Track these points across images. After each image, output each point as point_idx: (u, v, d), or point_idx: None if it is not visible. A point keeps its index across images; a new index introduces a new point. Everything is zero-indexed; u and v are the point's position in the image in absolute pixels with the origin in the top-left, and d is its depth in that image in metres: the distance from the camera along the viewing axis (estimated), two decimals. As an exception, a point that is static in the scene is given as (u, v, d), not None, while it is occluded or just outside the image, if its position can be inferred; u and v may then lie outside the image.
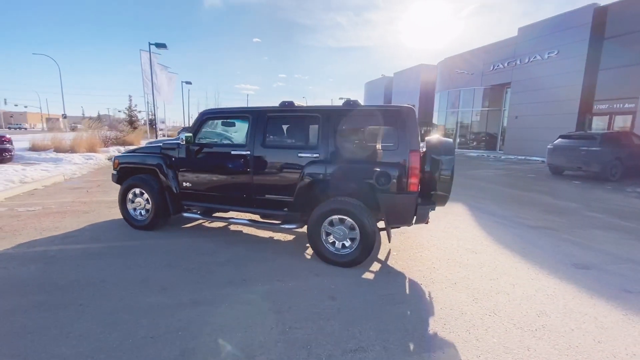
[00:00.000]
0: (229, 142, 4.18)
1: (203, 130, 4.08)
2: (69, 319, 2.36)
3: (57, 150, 12.30)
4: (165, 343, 2.13)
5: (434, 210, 3.95)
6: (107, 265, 3.29)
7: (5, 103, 63.06)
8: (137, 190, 4.28)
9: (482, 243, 4.32)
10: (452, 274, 3.35)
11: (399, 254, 3.88)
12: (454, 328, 2.42)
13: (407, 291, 2.98)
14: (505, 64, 21.11)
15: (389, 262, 3.62)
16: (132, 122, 26.21)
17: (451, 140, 3.75)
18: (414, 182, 3.19)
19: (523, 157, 18.10)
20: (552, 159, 11.30)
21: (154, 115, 33.64)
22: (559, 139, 11.24)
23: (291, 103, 3.71)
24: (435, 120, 29.37)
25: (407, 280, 3.21)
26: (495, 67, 22.02)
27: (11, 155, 9.67)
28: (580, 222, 5.52)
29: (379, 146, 3.36)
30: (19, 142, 12.98)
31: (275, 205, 3.74)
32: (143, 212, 4.33)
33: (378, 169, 3.22)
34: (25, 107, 78.75)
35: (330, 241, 3.44)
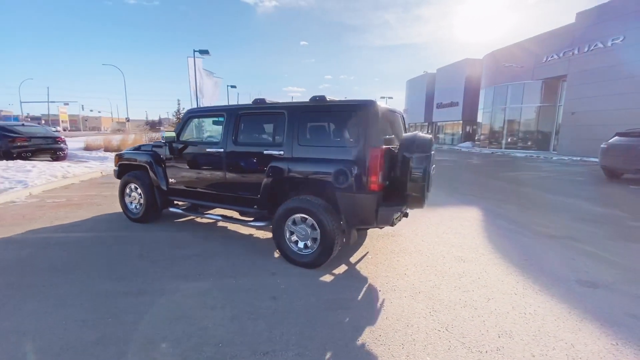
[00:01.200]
0: (208, 140, 4.28)
1: (189, 128, 4.24)
2: (25, 299, 2.59)
3: (107, 149, 13.74)
4: (91, 327, 2.23)
5: (405, 212, 3.66)
6: (88, 253, 3.56)
7: (82, 109, 72.21)
8: (133, 185, 4.59)
9: (477, 251, 3.89)
10: (421, 283, 3.06)
11: (375, 257, 3.65)
12: (388, 341, 2.19)
13: (359, 297, 2.78)
14: (561, 55, 18.92)
15: (358, 266, 3.42)
16: (180, 124, 28.32)
17: (429, 136, 3.42)
18: (373, 181, 2.96)
19: (578, 158, 16.06)
20: (606, 160, 9.84)
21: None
22: (616, 137, 9.75)
23: (262, 100, 3.69)
24: (479, 119, 27.37)
25: (366, 285, 2.99)
26: (549, 59, 19.85)
27: (64, 153, 11.01)
28: (616, 233, 4.72)
29: (340, 143, 3.19)
30: (78, 142, 14.75)
31: (246, 202, 3.74)
32: (137, 205, 4.63)
33: (336, 167, 3.05)
34: (99, 112, 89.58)
35: (294, 240, 3.35)
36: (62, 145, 10.82)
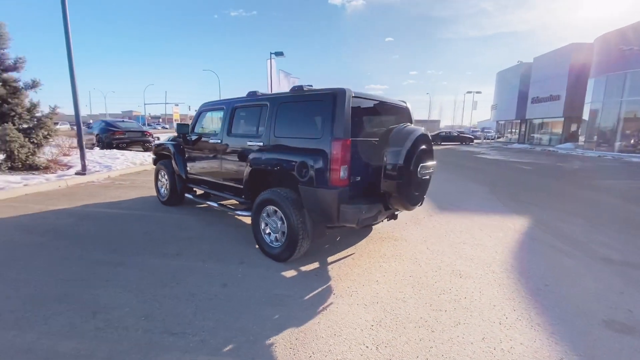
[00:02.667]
0: (212, 132, 4.54)
1: (202, 121, 4.59)
2: (36, 256, 3.18)
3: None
4: (62, 285, 2.63)
5: (393, 213, 3.28)
6: (109, 227, 4.17)
7: (189, 109, 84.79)
8: (162, 172, 5.19)
9: (487, 268, 3.27)
10: (388, 293, 2.72)
11: (358, 259, 3.38)
12: (300, 347, 2.02)
13: (306, 297, 2.62)
14: None
15: (332, 265, 3.22)
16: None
17: (418, 130, 2.96)
18: (335, 176, 2.73)
19: None
20: None
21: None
22: None
23: (254, 93, 3.75)
24: (585, 116, 22.65)
25: (324, 287, 2.80)
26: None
27: (151, 145, 13.10)
28: None
29: (307, 134, 3.02)
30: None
31: (237, 192, 3.87)
32: (165, 190, 5.22)
33: (300, 159, 2.91)
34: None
35: (267, 232, 3.33)
36: (149, 138, 12.91)
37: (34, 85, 7.83)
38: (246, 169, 3.48)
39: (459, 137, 31.81)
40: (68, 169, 8.22)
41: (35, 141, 7.76)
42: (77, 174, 7.61)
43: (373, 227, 4.43)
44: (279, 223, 3.18)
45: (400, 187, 2.83)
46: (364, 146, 2.97)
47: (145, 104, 69.89)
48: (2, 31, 7.15)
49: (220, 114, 4.17)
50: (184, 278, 2.84)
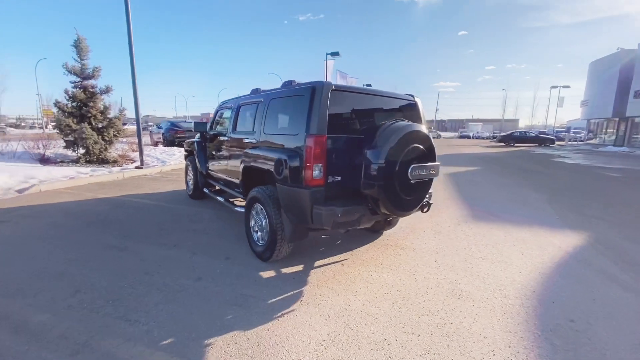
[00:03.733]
0: (224, 130, 4.65)
1: (219, 119, 4.77)
2: (67, 236, 3.63)
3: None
4: (65, 264, 2.95)
5: (385, 219, 2.95)
6: (134, 215, 4.59)
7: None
8: (190, 167, 5.55)
9: (498, 290, 2.75)
10: (361, 307, 2.45)
11: (348, 266, 3.14)
12: (233, 353, 1.92)
13: (270, 301, 2.49)
14: None
15: (316, 270, 3.04)
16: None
17: (410, 125, 2.58)
18: (308, 175, 2.54)
19: None
20: None
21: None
22: None
23: (257, 90, 3.74)
24: None
25: (295, 292, 2.64)
26: None
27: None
28: None
29: (288, 130, 2.88)
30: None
31: (237, 187, 3.92)
32: (191, 184, 5.58)
33: (277, 156, 2.79)
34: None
35: (255, 229, 3.29)
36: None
37: (107, 90, 9.11)
38: (240, 166, 3.50)
39: (537, 139, 28.08)
40: (132, 163, 9.38)
41: (107, 138, 9.02)
42: (136, 167, 8.64)
43: (383, 232, 4.10)
44: (264, 221, 3.11)
45: (383, 190, 2.52)
46: (348, 144, 2.73)
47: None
48: (83, 45, 8.47)
49: (231, 112, 4.28)
50: (167, 268, 2.96)
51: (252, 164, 3.27)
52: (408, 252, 3.55)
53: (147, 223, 4.24)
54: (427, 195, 3.22)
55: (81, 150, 8.86)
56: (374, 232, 4.09)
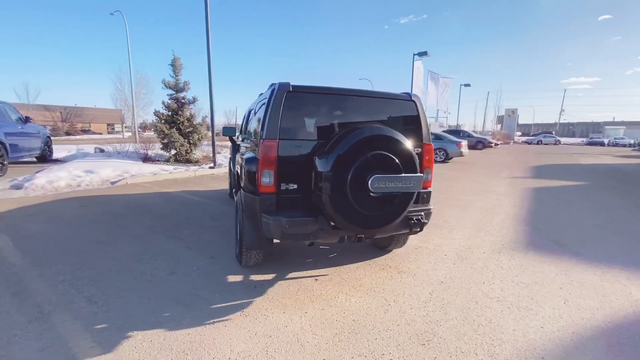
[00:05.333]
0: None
1: (245, 123, 5.02)
2: (111, 222, 4.35)
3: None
4: (88, 246, 3.52)
5: (356, 236, 2.59)
6: (174, 207, 5.19)
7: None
8: (230, 168, 6.01)
9: (484, 346, 2.11)
10: (297, 331, 2.21)
11: (320, 283, 2.88)
12: (143, 351, 1.96)
13: (215, 306, 2.46)
14: None
15: (286, 282, 2.87)
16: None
17: (372, 129, 2.14)
18: (259, 181, 2.41)
19: None
20: None
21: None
22: None
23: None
24: None
25: (244, 301, 2.54)
26: None
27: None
28: None
29: (254, 135, 2.78)
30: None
31: (243, 190, 4.03)
32: (228, 185, 6.02)
33: (243, 162, 2.73)
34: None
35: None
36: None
37: (193, 101, 10.67)
38: (234, 171, 3.60)
39: None
40: (211, 163, 10.73)
41: (192, 142, 10.54)
42: (209, 167, 9.84)
43: (392, 250, 3.62)
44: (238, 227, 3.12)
45: (331, 202, 2.21)
46: (307, 150, 2.49)
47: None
48: (177, 63, 10.14)
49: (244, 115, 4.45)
50: (158, 259, 3.25)
51: (236, 168, 3.32)
52: (404, 277, 3.04)
53: (177, 216, 4.75)
54: (421, 213, 2.70)
55: (172, 152, 10.60)
56: (381, 249, 3.64)
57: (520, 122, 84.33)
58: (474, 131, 40.51)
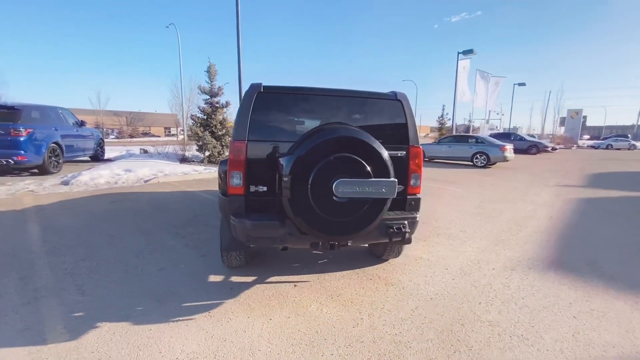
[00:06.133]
0: None
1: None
2: (131, 218, 4.70)
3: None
4: (97, 238, 3.82)
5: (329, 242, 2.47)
6: (187, 204, 5.45)
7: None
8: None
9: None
10: (255, 340, 2.16)
11: (297, 290, 2.80)
12: (107, 340, 2.06)
13: (186, 304, 2.50)
14: None
15: (262, 285, 2.84)
16: (440, 129, 29.02)
17: (337, 129, 1.98)
18: (228, 183, 2.39)
19: None
20: None
21: (470, 121, 35.08)
22: None
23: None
24: None
25: (214, 302, 2.55)
26: None
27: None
28: None
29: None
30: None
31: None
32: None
33: (220, 163, 2.75)
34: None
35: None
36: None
37: (226, 105, 11.19)
38: None
39: None
40: (240, 164, 11.15)
41: (223, 144, 11.05)
42: (238, 168, 10.22)
43: (388, 259, 3.41)
44: (231, 227, 3.15)
45: (291, 205, 2.12)
46: (278, 152, 2.43)
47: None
48: (212, 70, 10.72)
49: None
50: (155, 254, 3.42)
51: None
52: (391, 290, 2.83)
53: (189, 214, 4.98)
54: (404, 222, 2.49)
55: (207, 153, 11.21)
56: (378, 257, 3.45)
57: (589, 123, 75.19)
58: (530, 134, 37.06)
